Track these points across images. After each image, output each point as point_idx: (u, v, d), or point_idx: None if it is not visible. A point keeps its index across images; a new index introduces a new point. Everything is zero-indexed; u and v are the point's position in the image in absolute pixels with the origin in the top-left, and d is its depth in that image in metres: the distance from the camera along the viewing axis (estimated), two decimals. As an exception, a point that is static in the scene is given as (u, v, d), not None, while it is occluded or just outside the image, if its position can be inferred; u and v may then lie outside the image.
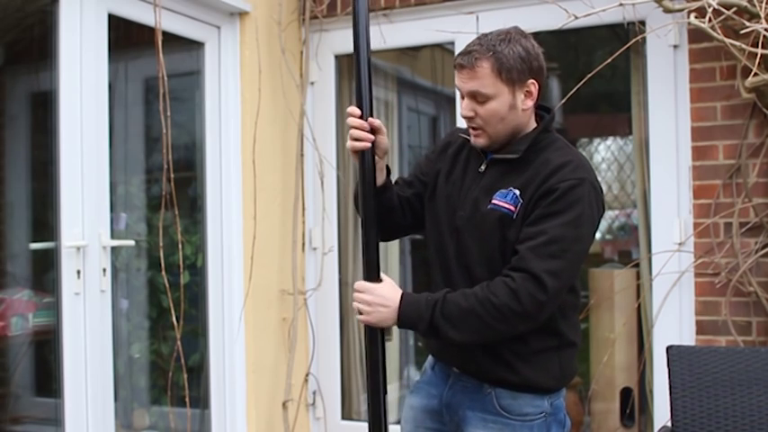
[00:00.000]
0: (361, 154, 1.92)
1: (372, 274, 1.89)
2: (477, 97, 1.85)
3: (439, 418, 2.00)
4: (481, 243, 1.87)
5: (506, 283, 1.76)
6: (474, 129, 1.90)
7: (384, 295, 1.84)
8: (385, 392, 1.90)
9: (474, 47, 1.85)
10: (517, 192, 1.84)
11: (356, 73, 1.93)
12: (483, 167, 1.93)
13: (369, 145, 1.91)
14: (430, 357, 2.07)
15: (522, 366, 1.86)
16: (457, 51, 3.58)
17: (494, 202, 1.86)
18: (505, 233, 1.83)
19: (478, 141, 1.91)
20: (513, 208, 1.83)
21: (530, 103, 1.88)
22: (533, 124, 1.94)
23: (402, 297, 1.83)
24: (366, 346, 1.91)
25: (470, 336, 1.79)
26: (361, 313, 1.86)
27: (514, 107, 1.86)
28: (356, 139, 1.91)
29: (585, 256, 1.88)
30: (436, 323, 1.79)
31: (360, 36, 1.92)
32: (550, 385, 1.91)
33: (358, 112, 1.92)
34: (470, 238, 1.89)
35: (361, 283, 1.88)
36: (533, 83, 1.86)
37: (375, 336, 1.89)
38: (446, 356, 1.99)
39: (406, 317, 1.82)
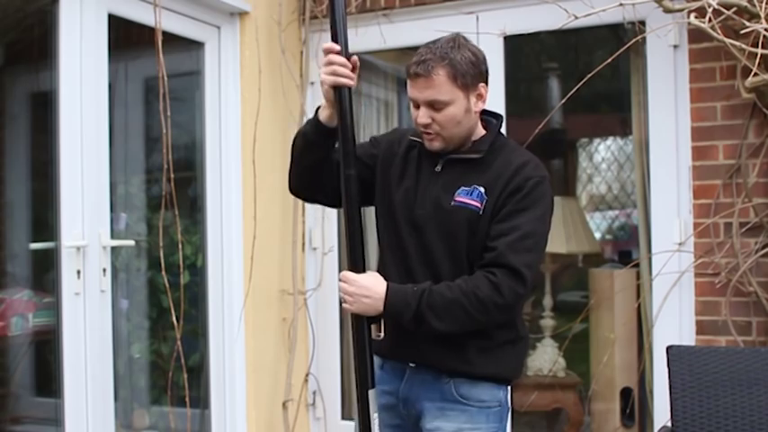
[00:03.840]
0: (338, 92, 1.90)
1: (357, 264, 1.91)
2: (434, 105, 1.89)
3: (396, 413, 2.04)
4: (447, 239, 1.92)
5: (488, 278, 1.83)
6: (428, 134, 1.93)
7: (366, 286, 1.87)
8: (373, 386, 1.92)
9: (427, 55, 1.87)
10: (482, 189, 1.90)
11: (330, 7, 1.87)
12: (439, 167, 1.97)
13: (351, 82, 1.90)
14: (375, 358, 2.06)
15: (483, 358, 1.93)
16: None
17: (458, 199, 1.91)
18: (474, 229, 1.89)
19: (434, 145, 1.95)
20: (479, 204, 1.90)
21: (481, 105, 1.95)
22: (480, 126, 2.01)
23: (388, 287, 1.87)
24: (353, 340, 1.93)
25: (452, 325, 1.85)
26: (345, 302, 1.91)
27: (469, 110, 1.92)
28: (338, 75, 1.89)
29: None
30: (422, 312, 1.84)
31: None
32: (508, 375, 2.00)
33: (337, 47, 1.90)
34: (433, 234, 1.93)
35: (344, 273, 1.92)
36: (483, 86, 1.93)
37: (362, 331, 1.91)
38: (401, 353, 2.02)
39: (392, 306, 1.86)
